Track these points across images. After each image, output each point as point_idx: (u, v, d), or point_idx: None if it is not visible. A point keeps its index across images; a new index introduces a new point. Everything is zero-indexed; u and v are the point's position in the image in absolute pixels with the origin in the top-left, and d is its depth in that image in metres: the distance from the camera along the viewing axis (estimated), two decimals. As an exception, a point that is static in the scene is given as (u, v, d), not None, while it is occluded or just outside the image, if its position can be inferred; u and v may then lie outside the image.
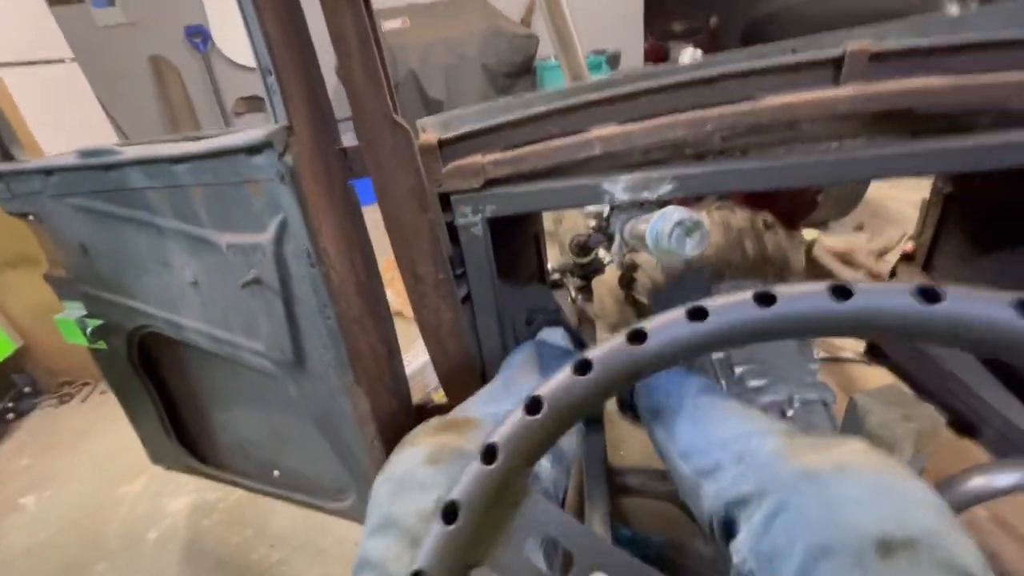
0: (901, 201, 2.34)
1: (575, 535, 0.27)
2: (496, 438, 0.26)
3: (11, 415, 1.82)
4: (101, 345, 1.02)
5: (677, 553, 0.86)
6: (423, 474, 0.47)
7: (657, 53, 3.95)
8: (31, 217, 0.94)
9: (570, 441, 0.67)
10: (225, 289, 0.78)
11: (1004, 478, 0.73)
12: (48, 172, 0.83)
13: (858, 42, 0.55)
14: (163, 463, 1.20)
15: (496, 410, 0.60)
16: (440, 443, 0.50)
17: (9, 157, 0.90)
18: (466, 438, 0.52)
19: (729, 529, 0.46)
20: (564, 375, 0.25)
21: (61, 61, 2.02)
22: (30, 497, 1.49)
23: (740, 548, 0.41)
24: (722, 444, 0.52)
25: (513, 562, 0.26)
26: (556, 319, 0.86)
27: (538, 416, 0.25)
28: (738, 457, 0.49)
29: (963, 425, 0.87)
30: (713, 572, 0.80)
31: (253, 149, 0.61)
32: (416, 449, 0.50)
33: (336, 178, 0.67)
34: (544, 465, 0.57)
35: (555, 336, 0.84)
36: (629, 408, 0.85)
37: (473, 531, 0.26)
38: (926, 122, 0.57)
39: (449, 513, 0.26)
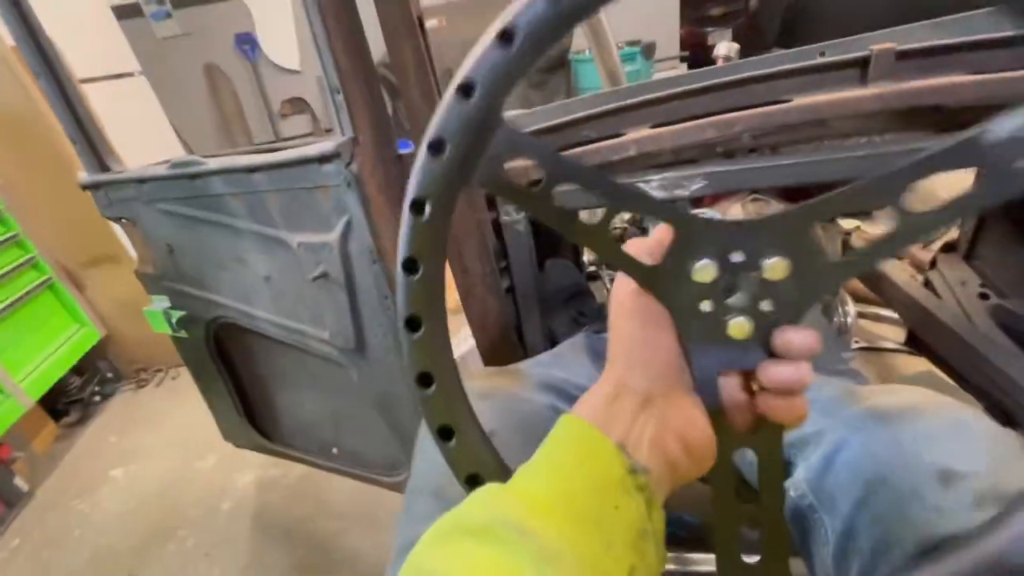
0: (954, 187, 2.25)
1: (544, 152, 0.29)
2: (470, 72, 0.27)
3: (98, 398, 2.02)
4: (183, 334, 1.15)
5: (712, 532, 0.91)
6: (474, 406, 0.50)
7: (694, 40, 3.88)
8: (124, 220, 1.06)
9: None
10: (295, 283, 0.88)
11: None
12: (142, 181, 0.95)
13: (884, 43, 0.57)
14: (234, 441, 1.33)
15: (543, 371, 0.60)
16: (492, 384, 0.53)
17: (106, 168, 1.02)
18: (517, 384, 0.54)
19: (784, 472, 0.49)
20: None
21: (131, 75, 2.20)
22: (119, 470, 1.66)
23: (798, 484, 0.43)
24: None
25: (494, 179, 0.29)
26: (604, 330, 0.89)
27: (512, 48, 0.26)
28: None
29: (1002, 414, 0.88)
30: (745, 549, 0.84)
31: (324, 159, 0.69)
32: (468, 384, 0.54)
33: (394, 182, 0.75)
34: None
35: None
36: None
37: (460, 160, 0.29)
38: (953, 118, 0.60)
39: (436, 147, 0.29)
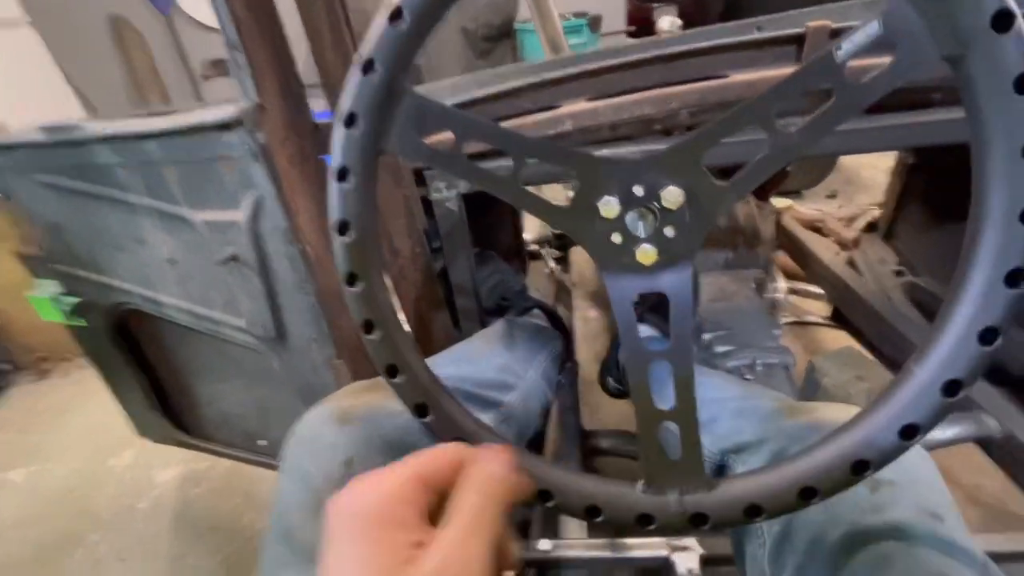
0: (875, 168, 2.39)
1: (450, 113, 0.33)
2: (370, 50, 0.30)
3: (-10, 392, 1.82)
4: (80, 322, 1.02)
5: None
6: (332, 434, 0.46)
7: (640, 15, 3.87)
8: (-3, 194, 0.92)
9: (539, 386, 0.70)
10: (203, 266, 0.79)
11: (947, 431, 0.80)
12: (11, 148, 0.81)
13: (818, 20, 0.56)
14: (150, 436, 1.22)
15: (445, 373, 0.54)
16: (355, 403, 0.49)
17: (-32, 132, 0.87)
18: (386, 397, 0.48)
19: (720, 473, 0.51)
20: None
21: (15, 24, 1.91)
22: (18, 471, 1.50)
23: None
24: (719, 402, 0.56)
25: (409, 144, 0.33)
26: (526, 308, 0.86)
27: (403, 25, 0.30)
28: (737, 412, 0.53)
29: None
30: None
31: (224, 126, 0.61)
32: (328, 407, 0.49)
33: (309, 154, 0.67)
34: (512, 402, 0.62)
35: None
36: (609, 385, 0.90)
37: (374, 130, 0.32)
38: (886, 98, 0.60)
39: (349, 120, 0.32)
